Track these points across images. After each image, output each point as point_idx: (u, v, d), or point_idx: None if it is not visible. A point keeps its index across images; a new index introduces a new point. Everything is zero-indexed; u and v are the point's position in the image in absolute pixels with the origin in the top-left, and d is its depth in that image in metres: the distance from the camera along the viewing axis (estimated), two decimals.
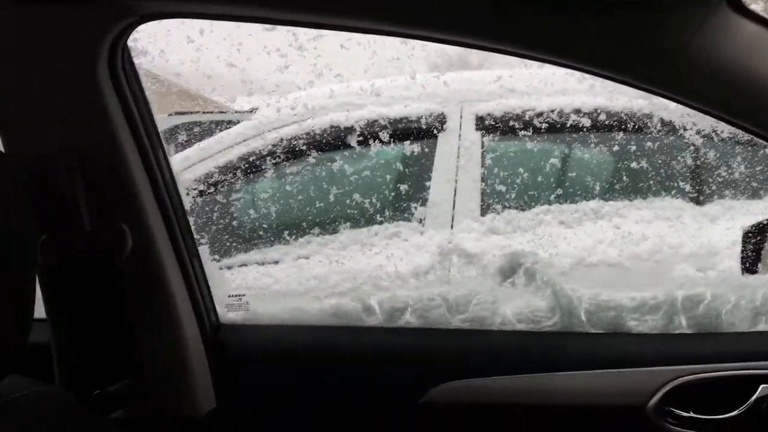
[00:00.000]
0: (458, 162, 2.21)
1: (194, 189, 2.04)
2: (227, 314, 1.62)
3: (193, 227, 1.53)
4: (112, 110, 1.28)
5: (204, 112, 2.78)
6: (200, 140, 2.20)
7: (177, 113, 2.61)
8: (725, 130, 1.88)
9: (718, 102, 1.16)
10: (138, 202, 1.34)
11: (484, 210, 2.20)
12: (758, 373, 1.37)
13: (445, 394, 1.47)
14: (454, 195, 2.20)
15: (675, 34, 1.02)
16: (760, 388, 1.36)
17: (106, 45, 1.22)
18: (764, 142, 1.25)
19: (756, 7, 1.02)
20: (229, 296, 1.63)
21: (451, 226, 2.18)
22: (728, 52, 1.05)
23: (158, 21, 1.25)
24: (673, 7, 0.99)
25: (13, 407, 0.85)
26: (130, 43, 1.31)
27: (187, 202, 1.52)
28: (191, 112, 2.71)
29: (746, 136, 1.95)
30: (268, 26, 1.27)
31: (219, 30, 1.41)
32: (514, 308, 1.56)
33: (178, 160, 2.11)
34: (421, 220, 2.18)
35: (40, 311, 1.30)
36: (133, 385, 1.38)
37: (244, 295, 1.64)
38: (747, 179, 2.10)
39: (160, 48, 1.41)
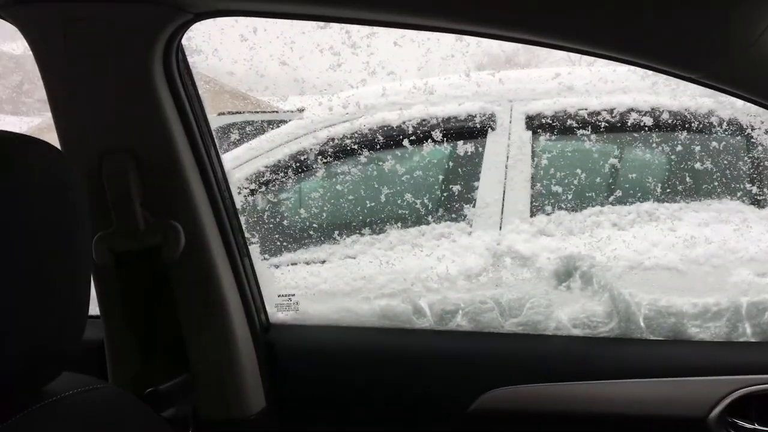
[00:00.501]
0: (508, 162, 2.17)
1: (245, 188, 2.05)
2: (277, 314, 1.62)
3: (243, 226, 1.53)
4: (167, 109, 1.28)
5: (255, 112, 2.79)
6: (251, 139, 2.21)
7: (228, 113, 2.63)
8: None
9: None
10: (191, 200, 1.35)
11: (534, 211, 2.15)
12: None
13: (496, 400, 1.44)
14: (503, 195, 2.16)
15: (745, 29, 0.98)
16: None
17: (161, 43, 1.23)
18: None
19: None
20: (279, 296, 1.63)
21: (500, 227, 2.14)
22: None
23: (212, 19, 1.25)
24: (743, 2, 0.94)
25: (68, 404, 0.85)
26: (184, 41, 1.32)
27: (239, 201, 1.52)
28: (242, 112, 2.73)
29: None
30: (321, 24, 1.26)
31: (272, 28, 1.40)
32: (570, 313, 1.52)
33: (228, 159, 2.12)
34: (469, 221, 2.15)
35: (94, 309, 1.32)
36: (184, 383, 1.39)
37: (293, 294, 1.63)
38: None
39: (214, 47, 1.41)
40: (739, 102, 1.17)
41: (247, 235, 1.54)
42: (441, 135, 2.08)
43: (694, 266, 1.96)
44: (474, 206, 2.17)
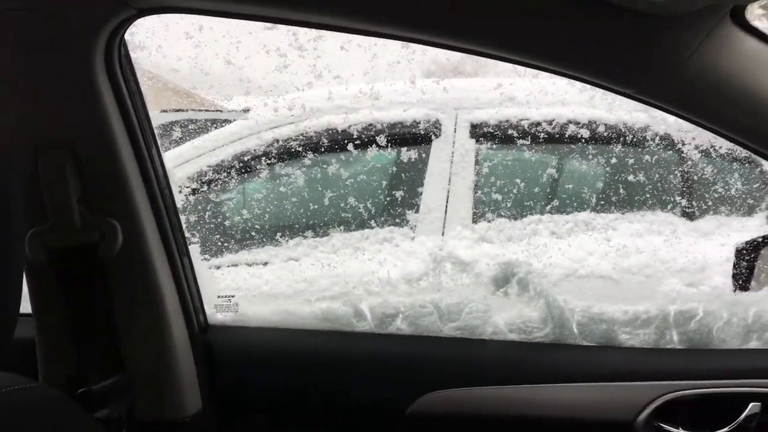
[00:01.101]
0: (452, 169, 2.20)
1: (187, 187, 2.02)
2: (216, 315, 1.60)
3: (184, 225, 1.51)
4: (107, 104, 1.26)
5: (198, 110, 2.76)
6: (194, 138, 2.18)
7: (172, 110, 2.59)
8: (723, 145, 1.89)
9: (717, 117, 1.16)
10: (129, 198, 1.32)
11: (476, 218, 2.19)
12: (748, 390, 1.37)
13: (434, 402, 1.45)
14: (447, 202, 2.19)
15: (679, 47, 1.02)
16: (749, 406, 1.36)
17: (102, 38, 1.20)
18: (762, 159, 1.25)
19: (759, 24, 1.02)
20: (219, 297, 1.61)
21: (443, 233, 2.17)
22: (731, 67, 1.05)
23: (157, 15, 1.23)
24: (677, 21, 0.99)
25: None
26: (127, 37, 1.29)
27: (179, 200, 1.50)
28: (186, 110, 2.69)
29: (744, 152, 1.96)
30: (268, 25, 1.25)
31: (218, 27, 1.39)
32: (507, 318, 1.55)
33: (171, 157, 2.09)
34: (412, 226, 2.17)
35: (25, 306, 1.28)
36: (118, 383, 1.36)
37: (233, 296, 1.62)
38: (743, 196, 2.11)
39: (158, 43, 1.39)
40: (671, 117, 1.22)
41: (187, 234, 1.52)
42: (386, 140, 2.09)
43: (627, 275, 2.02)
44: (417, 212, 2.19)
